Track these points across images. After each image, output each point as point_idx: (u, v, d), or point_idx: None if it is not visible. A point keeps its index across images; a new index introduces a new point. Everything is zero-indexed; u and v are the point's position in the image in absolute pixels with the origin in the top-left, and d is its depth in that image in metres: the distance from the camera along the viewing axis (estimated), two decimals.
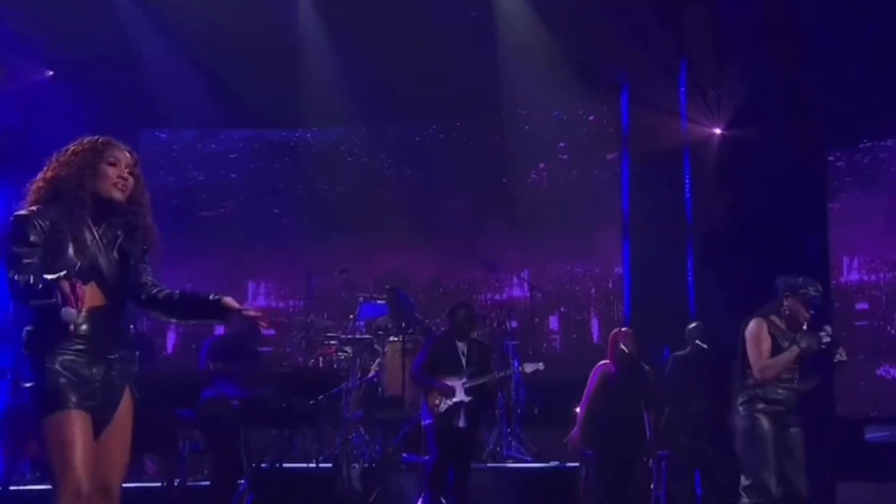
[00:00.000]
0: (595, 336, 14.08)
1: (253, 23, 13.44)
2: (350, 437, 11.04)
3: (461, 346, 10.11)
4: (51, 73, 14.64)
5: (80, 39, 13.90)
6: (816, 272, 12.53)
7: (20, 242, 4.78)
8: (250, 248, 14.96)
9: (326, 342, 12.38)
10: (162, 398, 10.19)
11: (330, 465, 11.03)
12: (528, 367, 10.56)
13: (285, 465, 11.42)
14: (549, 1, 13.43)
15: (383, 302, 12.38)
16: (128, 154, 5.09)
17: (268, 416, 10.76)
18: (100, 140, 5.09)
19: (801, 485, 7.30)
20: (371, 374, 11.79)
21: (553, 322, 14.36)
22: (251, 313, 5.30)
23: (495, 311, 13.85)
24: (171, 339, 14.16)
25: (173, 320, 5.24)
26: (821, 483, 11.86)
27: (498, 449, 11.94)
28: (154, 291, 5.19)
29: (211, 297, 5.28)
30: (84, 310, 4.69)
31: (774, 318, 7.56)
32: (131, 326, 5.39)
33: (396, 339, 11.67)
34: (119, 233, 5.06)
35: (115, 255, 5.01)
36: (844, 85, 12.08)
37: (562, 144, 14.63)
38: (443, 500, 10.07)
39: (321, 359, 12.29)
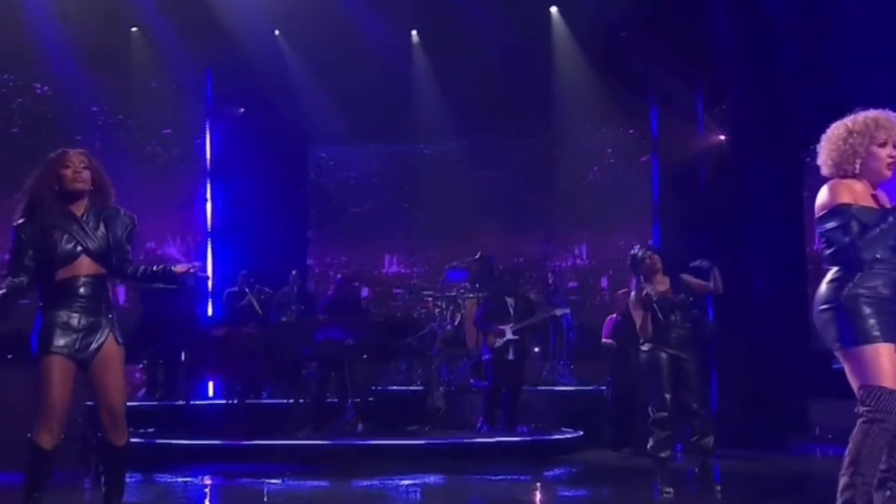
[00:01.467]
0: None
1: (380, 64, 13.93)
2: (435, 367, 11.18)
3: (510, 301, 10.51)
4: (242, 109, 15.29)
5: (261, 83, 14.37)
6: (793, 242, 12.99)
7: (12, 249, 4.94)
8: (386, 233, 15.32)
9: (426, 298, 12.63)
10: (290, 340, 10.82)
11: (421, 387, 11.46)
12: (558, 311, 10.96)
13: (388, 388, 11.92)
14: (597, 47, 13.60)
15: (465, 269, 12.61)
16: (79, 155, 5.03)
17: (368, 352, 11.07)
18: (55, 153, 5.05)
19: (691, 401, 7.17)
20: (455, 321, 12.08)
21: (604, 282, 14.54)
22: (185, 268, 5.16)
23: (558, 274, 14.33)
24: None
25: (142, 286, 5.38)
26: (797, 402, 12.17)
27: (549, 376, 12.30)
28: (132, 269, 5.09)
29: (164, 268, 5.18)
30: (82, 277, 4.91)
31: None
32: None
33: (472, 296, 12.12)
34: (100, 217, 4.98)
35: (101, 233, 4.95)
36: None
37: (609, 150, 14.85)
38: (499, 414, 10.50)
39: (423, 310, 12.55)
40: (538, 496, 8.23)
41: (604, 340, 10.66)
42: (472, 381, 11.06)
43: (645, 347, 7.33)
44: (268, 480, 8.40)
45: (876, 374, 4.34)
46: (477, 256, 12.54)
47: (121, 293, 13.49)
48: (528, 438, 10.15)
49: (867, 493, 4.34)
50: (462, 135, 15.02)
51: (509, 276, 10.80)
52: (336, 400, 10.72)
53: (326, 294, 12.50)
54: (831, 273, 4.53)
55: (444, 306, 12.26)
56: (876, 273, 4.43)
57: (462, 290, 12.45)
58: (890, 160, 4.49)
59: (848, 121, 4.59)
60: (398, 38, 14.55)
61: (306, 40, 14.28)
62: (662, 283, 7.44)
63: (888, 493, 4.47)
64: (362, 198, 15.59)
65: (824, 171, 4.61)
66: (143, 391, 11.99)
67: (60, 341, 4.82)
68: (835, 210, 4.43)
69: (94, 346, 4.89)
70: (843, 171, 4.53)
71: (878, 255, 4.41)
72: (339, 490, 7.97)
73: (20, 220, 4.95)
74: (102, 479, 5.22)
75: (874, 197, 4.51)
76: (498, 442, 10.06)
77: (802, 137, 12.69)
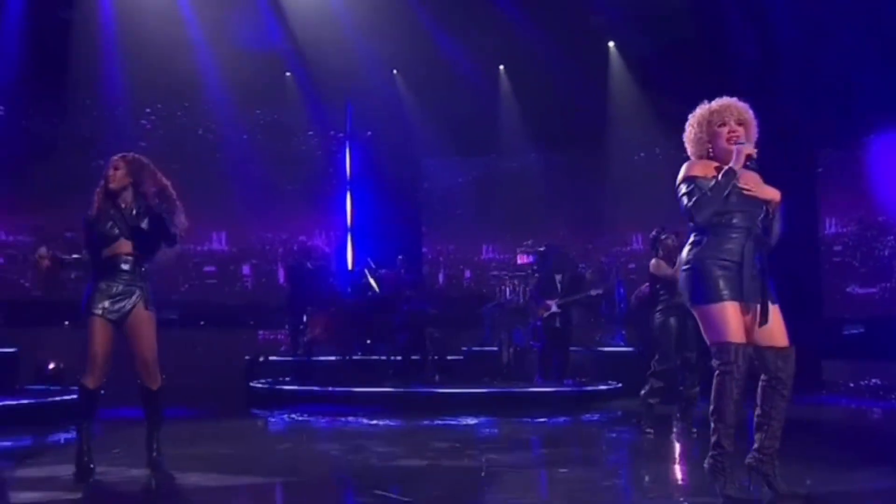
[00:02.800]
0: None
1: (474, 93, 14.20)
2: (506, 332, 11.19)
3: (558, 278, 10.45)
4: (369, 132, 15.61)
5: (384, 111, 14.90)
6: (808, 227, 12.64)
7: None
8: (482, 227, 15.39)
9: (503, 276, 12.81)
10: (386, 310, 10.96)
11: (496, 348, 11.46)
12: (593, 291, 10.79)
13: (471, 348, 11.93)
14: (646, 73, 13.52)
15: (531, 253, 12.47)
16: (118, 160, 4.97)
17: (446, 320, 11.31)
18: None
19: (691, 357, 7.00)
20: (522, 294, 11.87)
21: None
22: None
23: (612, 258, 14.20)
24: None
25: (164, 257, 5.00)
26: (811, 362, 11.90)
27: (602, 339, 12.18)
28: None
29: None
30: (122, 255, 4.88)
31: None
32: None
33: (536, 276, 11.72)
34: (141, 209, 4.92)
35: (138, 221, 4.90)
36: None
37: (658, 155, 14.11)
38: (551, 370, 10.49)
39: (500, 286, 12.59)
40: (569, 434, 8.25)
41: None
42: (531, 343, 11.04)
43: (658, 314, 7.14)
44: (360, 420, 8.54)
45: (723, 330, 4.12)
46: (542, 248, 12.30)
47: (280, 275, 14.29)
48: (570, 389, 10.11)
49: (729, 435, 4.18)
50: (537, 149, 14.87)
51: (558, 258, 10.72)
52: (419, 357, 10.86)
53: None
54: (691, 237, 4.31)
55: (516, 283, 12.21)
56: (731, 238, 4.18)
57: (531, 271, 12.22)
58: (730, 135, 4.27)
59: (693, 116, 4.40)
60: (488, 72, 14.68)
61: (417, 76, 14.64)
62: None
63: (762, 434, 4.28)
64: (463, 199, 15.65)
65: (690, 155, 4.39)
66: (283, 348, 12.47)
67: (99, 305, 4.78)
68: (683, 181, 4.24)
69: (125, 309, 4.82)
70: (705, 156, 4.33)
71: (735, 221, 4.17)
72: (410, 428, 8.05)
73: (89, 212, 4.96)
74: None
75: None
76: (546, 392, 10.04)
77: (812, 137, 12.46)
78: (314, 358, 11.11)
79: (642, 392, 7.11)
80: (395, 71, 14.95)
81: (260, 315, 13.95)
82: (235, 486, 5.02)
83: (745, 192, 4.25)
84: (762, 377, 4.31)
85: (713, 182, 4.18)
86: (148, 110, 14.19)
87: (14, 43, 12.26)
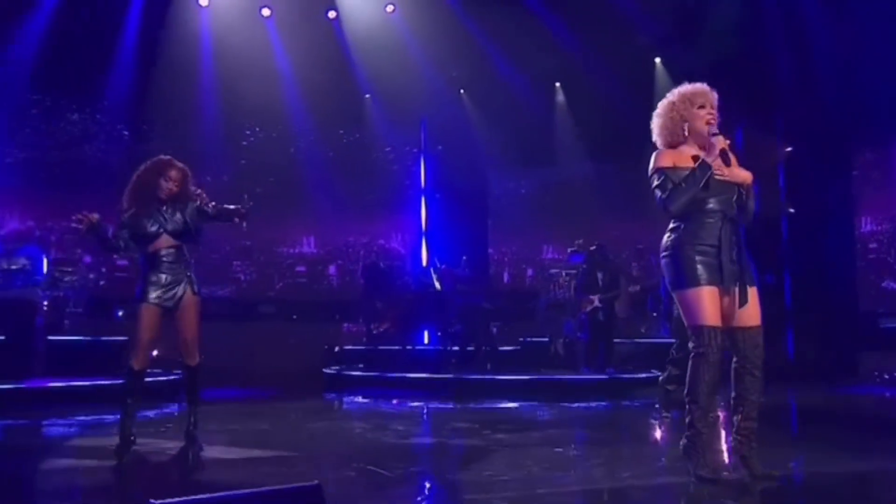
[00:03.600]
0: None
1: (532, 109, 13.96)
2: (556, 324, 11.05)
3: (599, 275, 10.12)
4: (440, 147, 15.52)
5: (455, 127, 14.68)
6: (845, 225, 11.89)
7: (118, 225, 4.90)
8: (542, 229, 15.15)
9: (555, 273, 12.35)
10: (441, 302, 10.87)
11: (546, 339, 11.28)
12: (631, 288, 10.60)
13: (526, 339, 11.69)
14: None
15: (581, 252, 11.89)
16: (179, 173, 4.93)
17: (507, 314, 11.23)
18: (160, 160, 4.95)
19: None
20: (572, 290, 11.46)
21: None
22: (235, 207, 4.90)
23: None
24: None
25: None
26: (849, 352, 11.24)
27: (647, 332, 11.83)
28: (200, 238, 5.02)
29: (217, 208, 4.90)
30: (164, 249, 4.86)
31: None
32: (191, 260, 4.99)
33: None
34: (178, 211, 4.87)
35: (178, 218, 4.86)
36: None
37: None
38: (596, 360, 10.15)
39: (553, 283, 12.20)
40: (594, 418, 7.95)
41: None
42: (578, 334, 10.78)
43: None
44: (406, 402, 8.52)
45: (698, 314, 3.85)
46: (593, 248, 12.19)
47: (360, 274, 14.33)
48: (610, 377, 9.81)
49: (703, 416, 3.91)
50: (590, 159, 14.51)
51: (599, 256, 10.41)
52: (473, 347, 10.71)
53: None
54: (670, 224, 4.03)
55: (566, 279, 11.87)
56: (706, 224, 3.89)
57: (580, 268, 12.01)
58: (708, 117, 3.99)
59: (669, 96, 4.11)
60: (545, 90, 14.46)
61: (482, 95, 14.53)
62: None
63: (738, 416, 4.00)
64: (525, 205, 15.42)
65: (659, 143, 4.10)
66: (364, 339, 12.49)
67: (152, 294, 4.81)
68: (654, 172, 3.99)
69: (178, 295, 4.85)
70: (673, 138, 4.05)
71: (710, 206, 3.88)
72: (448, 410, 7.95)
73: (125, 213, 4.92)
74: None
75: (694, 158, 3.96)
76: (586, 379, 9.78)
77: (849, 141, 11.83)
78: (381, 347, 11.15)
79: (660, 378, 6.82)
80: (462, 91, 14.91)
81: (343, 309, 14.05)
82: (245, 458, 4.94)
83: (719, 177, 3.96)
84: (734, 360, 4.02)
85: (688, 174, 3.91)
86: (248, 132, 14.47)
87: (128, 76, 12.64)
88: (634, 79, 12.99)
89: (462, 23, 12.83)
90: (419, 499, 3.94)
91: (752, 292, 3.96)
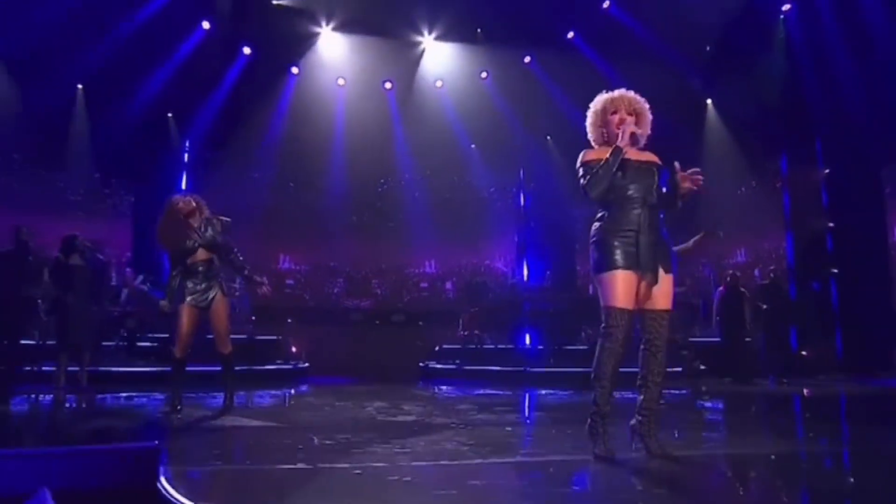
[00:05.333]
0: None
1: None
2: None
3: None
4: (532, 184, 14.99)
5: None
6: (879, 234, 10.11)
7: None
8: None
9: None
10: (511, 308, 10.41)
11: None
12: (680, 288, 9.40)
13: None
14: (740, 123, 11.81)
15: None
16: (182, 201, 4.91)
17: (560, 315, 10.25)
18: (170, 204, 4.92)
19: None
20: None
21: (756, 272, 11.88)
22: (259, 282, 5.01)
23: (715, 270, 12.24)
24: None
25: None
26: (882, 348, 9.52)
27: (697, 331, 10.53)
28: (233, 256, 5.00)
29: (248, 273, 4.96)
30: (199, 261, 4.87)
31: None
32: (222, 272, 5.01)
33: None
34: (206, 229, 4.88)
35: (209, 234, 4.87)
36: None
37: (753, 185, 12.24)
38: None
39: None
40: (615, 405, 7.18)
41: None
42: None
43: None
44: (456, 389, 8.21)
45: (611, 295, 3.35)
46: None
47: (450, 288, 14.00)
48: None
49: (604, 394, 3.44)
50: None
51: None
52: (541, 346, 10.15)
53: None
54: (598, 213, 3.56)
55: None
56: (627, 211, 3.40)
57: None
58: (619, 122, 3.51)
59: (592, 105, 3.65)
60: None
61: (565, 142, 13.43)
62: None
63: (642, 397, 3.50)
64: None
65: (592, 144, 3.64)
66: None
67: (190, 297, 4.84)
68: (580, 166, 3.52)
69: (209, 298, 4.86)
70: (598, 140, 3.59)
71: (630, 193, 3.40)
72: (516, 397, 7.46)
73: (189, 241, 4.90)
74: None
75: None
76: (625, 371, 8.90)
77: (880, 161, 10.14)
78: (470, 346, 10.81)
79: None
80: (548, 137, 14.32)
81: (456, 317, 13.78)
82: (252, 427, 4.62)
83: (637, 163, 3.48)
84: (641, 342, 3.50)
85: (603, 161, 3.45)
86: (382, 180, 14.63)
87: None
88: (686, 118, 11.96)
89: (539, 79, 12.59)
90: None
91: (668, 279, 3.45)
